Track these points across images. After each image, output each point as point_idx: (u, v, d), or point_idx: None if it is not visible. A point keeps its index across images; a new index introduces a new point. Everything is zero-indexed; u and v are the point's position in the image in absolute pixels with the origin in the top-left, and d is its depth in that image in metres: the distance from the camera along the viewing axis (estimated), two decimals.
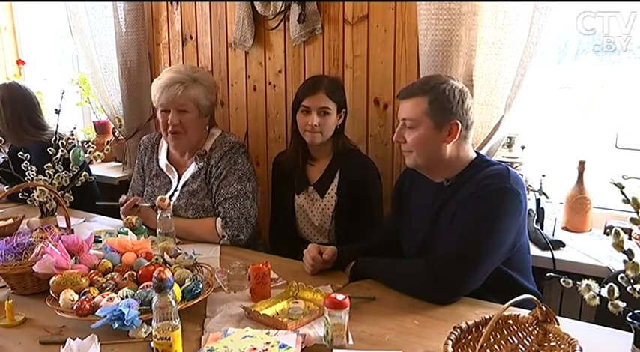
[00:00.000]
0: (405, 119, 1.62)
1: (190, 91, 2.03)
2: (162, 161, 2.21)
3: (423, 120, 1.58)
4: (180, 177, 2.16)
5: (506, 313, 1.16)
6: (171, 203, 2.06)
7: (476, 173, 1.58)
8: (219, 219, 2.04)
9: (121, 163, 3.14)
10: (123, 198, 2.11)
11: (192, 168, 2.13)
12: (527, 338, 1.22)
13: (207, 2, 2.66)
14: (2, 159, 2.27)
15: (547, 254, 1.86)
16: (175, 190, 2.13)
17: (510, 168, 1.60)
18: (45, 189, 2.02)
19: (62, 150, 2.11)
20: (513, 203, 1.51)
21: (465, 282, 1.49)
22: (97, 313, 1.34)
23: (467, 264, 1.48)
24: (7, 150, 2.33)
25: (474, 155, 1.65)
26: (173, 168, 2.19)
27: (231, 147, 2.10)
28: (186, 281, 1.46)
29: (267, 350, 1.20)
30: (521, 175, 1.70)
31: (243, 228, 2.03)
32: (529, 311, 1.23)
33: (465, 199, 1.53)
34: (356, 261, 1.70)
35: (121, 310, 1.30)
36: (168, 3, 2.80)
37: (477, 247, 1.48)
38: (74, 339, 1.27)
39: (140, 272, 1.50)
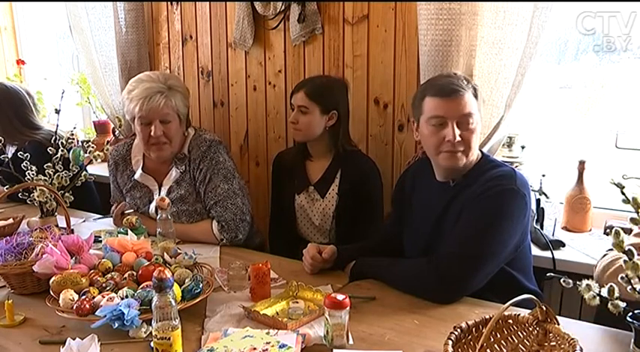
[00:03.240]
0: (467, 115, 1.55)
1: (171, 100, 1.97)
2: (138, 173, 2.12)
3: (476, 115, 1.58)
4: (161, 185, 2.11)
5: (506, 313, 1.16)
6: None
7: (482, 173, 1.58)
8: (215, 223, 2.03)
9: None
10: (114, 207, 2.11)
11: (174, 173, 2.08)
12: (528, 338, 1.22)
13: (207, 2, 2.66)
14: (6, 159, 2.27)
15: (547, 254, 1.86)
16: None
17: (516, 170, 1.60)
18: (45, 189, 2.02)
19: (62, 150, 2.11)
20: (519, 205, 1.52)
21: (468, 283, 1.49)
22: (97, 313, 1.34)
23: (471, 265, 1.48)
24: (12, 150, 2.33)
25: (480, 155, 1.65)
26: (150, 177, 2.12)
27: (208, 146, 2.05)
28: (186, 281, 1.46)
29: (267, 350, 1.20)
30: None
31: (240, 228, 2.02)
32: (529, 311, 1.23)
33: (472, 200, 1.53)
34: (356, 261, 1.70)
35: (121, 310, 1.30)
36: (168, 3, 2.80)
37: (482, 248, 1.49)
38: (74, 339, 1.27)
39: (140, 272, 1.50)
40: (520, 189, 1.52)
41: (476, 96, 1.59)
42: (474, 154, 1.60)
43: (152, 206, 2.10)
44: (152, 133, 1.97)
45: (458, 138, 1.54)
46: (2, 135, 2.20)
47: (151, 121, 1.97)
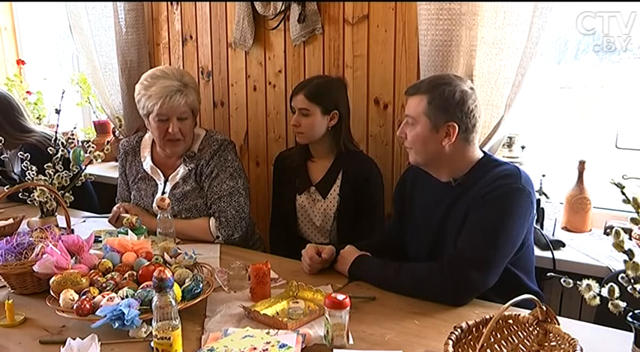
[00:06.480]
0: (407, 115, 1.63)
1: (189, 98, 2.02)
2: (147, 164, 2.17)
3: (421, 119, 1.58)
4: (167, 180, 2.13)
5: (506, 313, 1.16)
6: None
7: (485, 173, 1.58)
8: (212, 220, 2.04)
9: None
10: (115, 207, 2.11)
11: (181, 170, 2.10)
12: (528, 338, 1.22)
13: (207, 2, 2.66)
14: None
15: (547, 254, 1.87)
16: (163, 193, 2.11)
17: (520, 167, 1.60)
18: (45, 189, 2.02)
19: (62, 150, 2.11)
20: (526, 203, 1.53)
21: (483, 285, 1.50)
22: (97, 313, 1.34)
23: (484, 268, 1.49)
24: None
25: (481, 154, 1.65)
26: (158, 170, 2.15)
27: (219, 145, 2.10)
28: (186, 281, 1.46)
29: (267, 350, 1.20)
30: None
31: (238, 227, 2.03)
32: (529, 311, 1.23)
33: (478, 200, 1.53)
34: (356, 260, 1.67)
35: (121, 310, 1.30)
36: (168, 3, 2.80)
37: (494, 251, 1.49)
38: (74, 339, 1.27)
39: (140, 272, 1.50)
40: (525, 187, 1.53)
41: (434, 102, 1.56)
42: (424, 156, 1.62)
43: (156, 199, 2.11)
44: (170, 130, 2.01)
45: (400, 134, 1.66)
46: None
47: (169, 118, 2.01)
